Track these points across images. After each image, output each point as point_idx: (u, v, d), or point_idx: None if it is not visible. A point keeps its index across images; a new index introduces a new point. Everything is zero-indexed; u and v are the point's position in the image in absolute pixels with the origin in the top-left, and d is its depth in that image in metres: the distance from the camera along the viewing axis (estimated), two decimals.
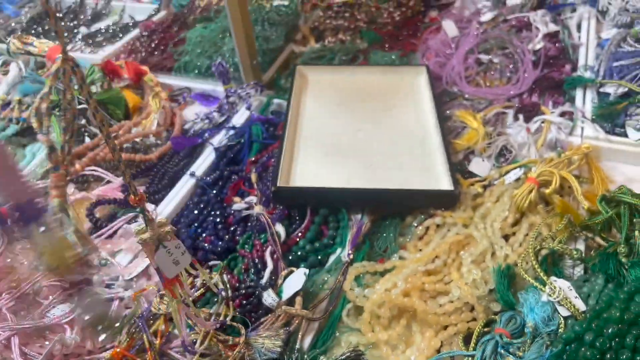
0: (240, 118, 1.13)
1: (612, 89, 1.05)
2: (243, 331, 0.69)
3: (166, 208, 0.94)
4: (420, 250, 0.83)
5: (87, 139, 1.10)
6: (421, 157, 0.95)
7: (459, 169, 0.96)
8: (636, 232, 0.72)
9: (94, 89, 1.20)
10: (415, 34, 1.39)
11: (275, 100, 1.18)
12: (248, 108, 1.14)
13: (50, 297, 0.77)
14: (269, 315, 0.73)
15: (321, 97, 1.12)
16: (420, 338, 0.72)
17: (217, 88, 1.25)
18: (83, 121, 1.12)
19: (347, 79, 1.18)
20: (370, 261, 0.81)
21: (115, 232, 0.90)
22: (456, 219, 0.85)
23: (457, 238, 0.82)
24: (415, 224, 0.87)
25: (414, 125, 1.03)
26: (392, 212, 0.89)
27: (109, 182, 1.02)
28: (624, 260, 0.71)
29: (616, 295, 0.66)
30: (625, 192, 0.76)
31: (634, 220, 0.74)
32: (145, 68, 1.28)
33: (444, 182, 0.88)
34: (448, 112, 1.09)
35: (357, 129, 1.02)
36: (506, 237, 0.83)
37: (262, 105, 1.18)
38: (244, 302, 0.75)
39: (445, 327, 0.73)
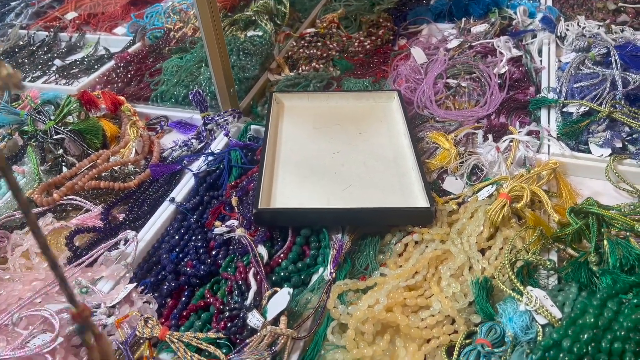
0: (218, 144, 1.15)
1: (574, 109, 1.11)
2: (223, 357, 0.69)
3: (147, 234, 0.94)
4: (400, 266, 0.85)
5: (64, 169, 1.10)
6: (397, 176, 0.98)
7: (433, 187, 0.99)
8: (605, 242, 0.76)
9: (70, 119, 1.21)
10: (386, 61, 1.44)
11: (253, 127, 1.20)
12: (226, 134, 1.16)
13: (30, 327, 0.76)
14: (255, 335, 0.73)
15: (298, 122, 1.15)
16: (404, 352, 0.73)
17: (194, 116, 1.27)
18: (60, 151, 1.12)
19: (322, 104, 1.21)
20: (352, 279, 0.83)
21: (95, 260, 0.89)
22: (433, 235, 0.88)
23: (435, 253, 0.84)
24: (394, 242, 0.89)
25: (389, 146, 1.06)
26: (371, 230, 0.91)
27: (87, 210, 1.01)
28: (594, 268, 0.74)
29: (590, 302, 0.69)
30: (592, 203, 0.80)
31: (602, 230, 0.78)
32: (122, 98, 1.30)
33: (420, 200, 0.91)
34: (420, 134, 1.13)
35: (334, 152, 1.05)
36: (482, 251, 0.85)
37: (240, 131, 1.20)
38: (229, 324, 0.75)
39: (428, 341, 0.74)
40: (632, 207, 0.84)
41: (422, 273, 0.82)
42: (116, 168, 1.10)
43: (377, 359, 0.73)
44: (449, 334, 0.74)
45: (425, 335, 0.74)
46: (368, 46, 1.50)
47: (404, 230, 0.90)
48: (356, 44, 1.51)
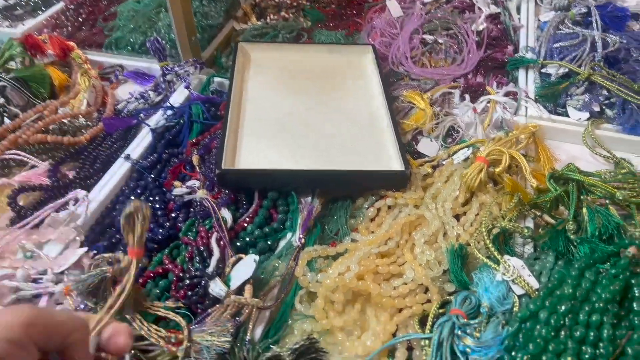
0: (178, 97, 1.06)
1: (553, 70, 1.07)
2: (185, 330, 0.64)
3: (99, 194, 0.87)
4: (372, 232, 0.81)
5: (6, 120, 1.00)
6: (371, 137, 0.92)
7: (407, 149, 0.95)
8: (584, 209, 0.73)
9: (13, 65, 1.09)
10: (360, 13, 1.37)
11: (216, 79, 1.12)
12: (187, 87, 1.07)
13: None
14: (217, 305, 0.68)
15: (266, 75, 1.07)
16: (375, 322, 0.70)
17: (152, 66, 1.17)
18: (1, 100, 1.01)
19: (292, 57, 1.13)
20: (322, 245, 0.78)
21: (41, 221, 0.82)
22: (407, 199, 0.83)
23: (409, 219, 0.80)
24: (367, 206, 0.85)
25: (363, 105, 1.00)
26: (342, 194, 0.86)
27: (33, 166, 0.92)
28: (572, 237, 0.72)
29: (567, 272, 0.66)
30: (574, 169, 0.77)
31: (582, 197, 0.75)
32: (72, 44, 1.18)
33: (395, 163, 0.86)
34: (395, 92, 1.07)
35: (304, 109, 0.98)
36: (457, 217, 0.82)
37: (202, 83, 1.11)
38: (189, 292, 0.70)
39: (400, 310, 0.71)
40: (612, 174, 0.81)
41: (395, 239, 0.78)
42: (65, 121, 1.01)
43: (347, 330, 0.70)
44: (422, 304, 0.71)
45: (397, 305, 0.71)
46: None
47: (376, 194, 0.86)
48: None
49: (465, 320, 0.65)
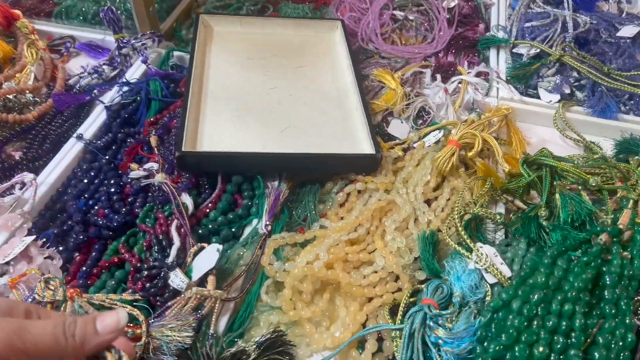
0: (135, 72, 1.00)
1: (524, 50, 1.05)
2: (144, 325, 0.59)
3: (49, 177, 0.81)
4: (342, 218, 0.78)
5: None
6: (340, 118, 0.89)
7: (378, 131, 0.92)
8: (556, 195, 0.72)
9: None
10: None
11: (176, 53, 1.05)
12: (144, 61, 1.01)
13: None
14: (178, 298, 0.64)
15: (229, 50, 1.01)
16: (345, 312, 0.68)
17: (107, 37, 1.09)
18: None
19: (257, 31, 1.08)
20: (289, 232, 0.75)
21: None
22: (378, 184, 0.81)
23: (379, 204, 0.78)
24: (336, 190, 0.82)
25: (331, 83, 0.96)
26: (310, 177, 0.83)
27: None
28: (544, 223, 0.71)
29: (540, 260, 0.65)
30: (547, 154, 0.75)
31: (554, 182, 0.74)
32: (17, 12, 1.09)
33: (365, 146, 0.83)
34: (365, 70, 1.04)
35: (270, 87, 0.93)
36: (428, 202, 0.80)
37: (161, 58, 1.05)
38: (148, 284, 0.66)
39: (370, 299, 0.69)
40: (584, 159, 0.80)
41: (365, 226, 0.75)
42: (10, 96, 0.93)
43: (315, 321, 0.67)
44: (393, 292, 0.69)
45: (367, 294, 0.69)
46: None
47: (346, 178, 0.83)
48: None
49: (437, 310, 0.63)
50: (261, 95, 0.92)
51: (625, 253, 0.66)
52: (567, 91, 0.99)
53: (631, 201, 0.70)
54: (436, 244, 0.72)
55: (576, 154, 0.86)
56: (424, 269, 0.70)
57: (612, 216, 0.70)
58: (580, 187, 0.73)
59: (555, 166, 0.74)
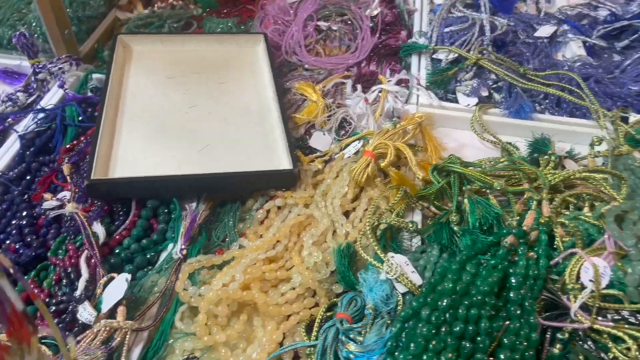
0: (52, 98, 0.97)
1: (443, 55, 1.07)
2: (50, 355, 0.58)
3: None
4: (261, 236, 0.78)
5: None
6: (261, 134, 0.89)
7: (300, 144, 0.92)
8: (465, 200, 0.73)
9: None
10: (253, 0, 1.31)
11: (96, 76, 1.03)
12: (61, 86, 0.98)
13: None
14: (87, 332, 0.63)
15: (149, 70, 1.00)
16: (262, 332, 0.67)
17: (23, 63, 1.06)
18: None
19: (178, 49, 1.07)
20: (207, 254, 0.74)
21: None
22: (297, 199, 0.81)
23: (298, 219, 0.78)
24: (256, 208, 0.81)
25: (253, 99, 0.96)
26: (231, 195, 0.82)
27: None
28: (455, 228, 0.72)
29: (449, 266, 0.66)
30: (455, 161, 0.77)
31: (464, 188, 0.75)
32: None
33: (283, 161, 0.83)
34: (288, 84, 1.04)
35: (189, 106, 0.93)
36: (347, 214, 0.81)
37: (80, 81, 1.03)
38: (56, 320, 0.64)
39: (288, 317, 0.69)
40: (493, 162, 0.83)
41: (283, 242, 0.75)
42: None
43: (231, 344, 0.67)
44: (310, 308, 0.70)
45: (284, 312, 0.69)
46: None
47: (266, 194, 0.83)
48: None
49: (350, 324, 0.64)
50: (180, 114, 0.91)
51: (532, 253, 0.68)
52: (485, 94, 1.01)
53: (535, 202, 0.72)
54: (352, 256, 0.73)
55: (491, 156, 0.89)
56: (340, 282, 0.71)
57: (518, 218, 0.71)
58: (488, 191, 0.75)
59: (462, 172, 0.75)
